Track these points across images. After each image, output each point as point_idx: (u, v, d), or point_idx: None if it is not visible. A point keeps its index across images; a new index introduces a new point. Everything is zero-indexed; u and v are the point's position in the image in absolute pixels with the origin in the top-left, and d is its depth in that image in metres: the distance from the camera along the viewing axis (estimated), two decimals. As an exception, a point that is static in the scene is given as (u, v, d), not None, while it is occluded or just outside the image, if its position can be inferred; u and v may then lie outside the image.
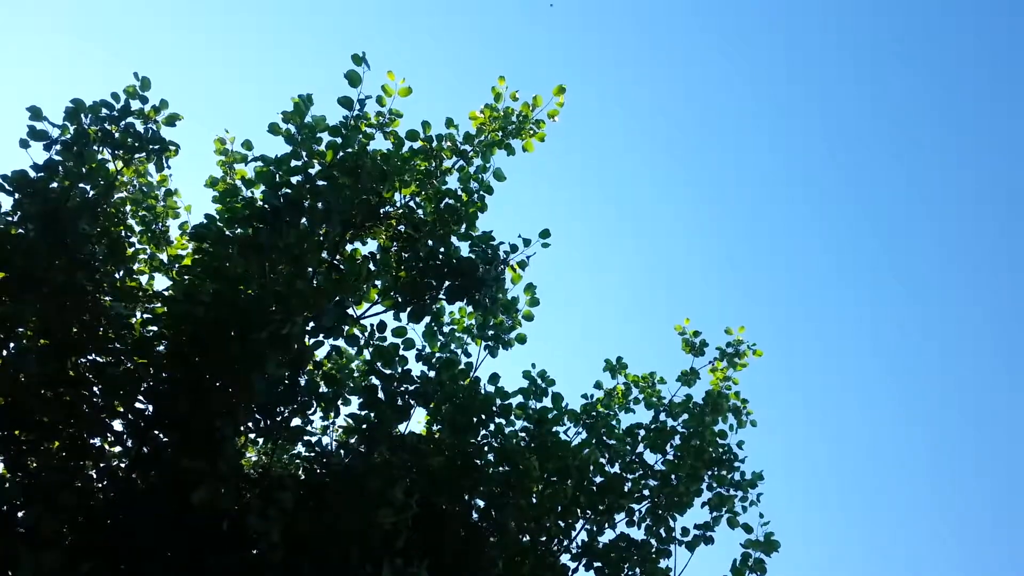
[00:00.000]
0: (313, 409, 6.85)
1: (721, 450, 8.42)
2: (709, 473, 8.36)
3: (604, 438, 8.25)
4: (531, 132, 8.01)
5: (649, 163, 28.27)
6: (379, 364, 7.08)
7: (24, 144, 6.49)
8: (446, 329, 8.15)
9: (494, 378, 7.79)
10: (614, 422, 8.56)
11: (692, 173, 28.71)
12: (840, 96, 27.10)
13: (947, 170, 27.45)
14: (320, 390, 7.03)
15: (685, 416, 8.53)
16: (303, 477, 6.62)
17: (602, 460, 8.15)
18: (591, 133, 27.95)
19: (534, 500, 7.39)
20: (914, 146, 27.68)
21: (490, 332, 8.19)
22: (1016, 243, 26.30)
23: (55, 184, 6.27)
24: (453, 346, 8.14)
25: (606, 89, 27.59)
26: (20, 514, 5.18)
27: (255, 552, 5.82)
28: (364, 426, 6.82)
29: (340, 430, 7.52)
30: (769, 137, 28.15)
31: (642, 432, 8.45)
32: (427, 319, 7.78)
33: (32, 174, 6.24)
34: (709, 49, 27.10)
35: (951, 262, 28.30)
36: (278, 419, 6.51)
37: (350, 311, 7.38)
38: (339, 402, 7.35)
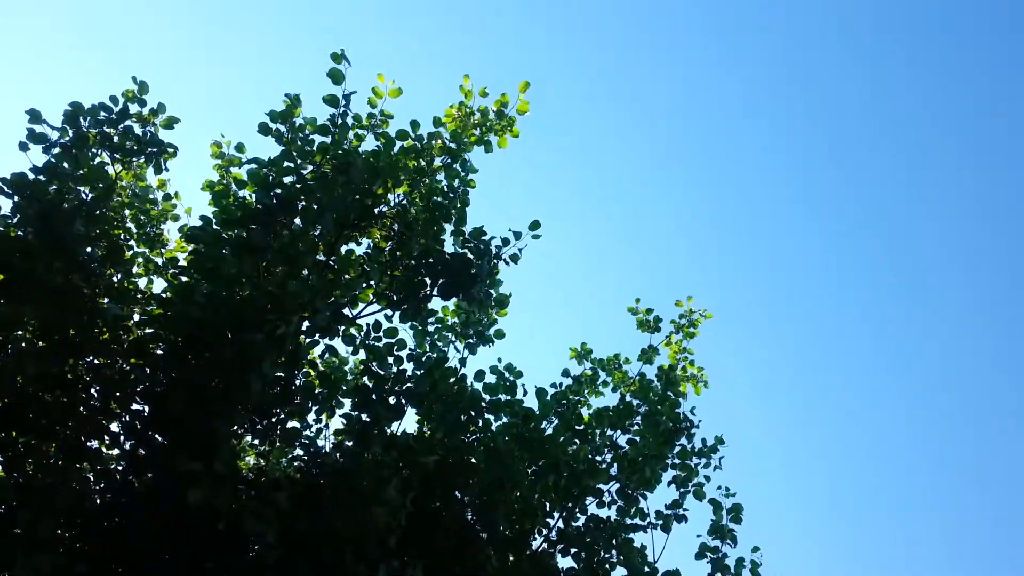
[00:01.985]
0: (309, 410, 6.90)
1: (678, 419, 8.56)
2: (674, 450, 8.47)
3: (575, 425, 8.33)
4: (505, 129, 8.08)
5: (643, 158, 28.30)
6: (373, 364, 7.14)
7: (23, 147, 6.54)
8: (431, 328, 8.25)
9: (480, 375, 7.91)
10: (584, 409, 8.67)
11: (688, 169, 28.72)
12: (839, 93, 27.10)
13: (947, 169, 27.45)
14: (316, 391, 7.08)
15: (640, 391, 8.73)
16: (299, 478, 6.66)
17: (576, 444, 8.22)
18: (585, 128, 27.99)
19: (519, 494, 7.47)
20: (913, 144, 27.67)
21: (470, 330, 8.31)
22: (1016, 242, 26.29)
23: (53, 186, 6.31)
24: (441, 345, 8.26)
25: (599, 83, 27.62)
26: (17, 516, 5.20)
27: (251, 554, 5.86)
28: (358, 426, 6.86)
29: (335, 431, 7.57)
30: (765, 133, 28.17)
31: (610, 414, 8.57)
32: (420, 317, 7.86)
33: (31, 176, 6.28)
34: (705, 46, 27.11)
35: (949, 259, 28.31)
36: (274, 420, 6.54)
37: (345, 311, 7.42)
38: (333, 403, 7.39)
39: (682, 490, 8.42)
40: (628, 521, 8.12)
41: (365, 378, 7.09)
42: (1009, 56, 25.33)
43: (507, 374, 8.23)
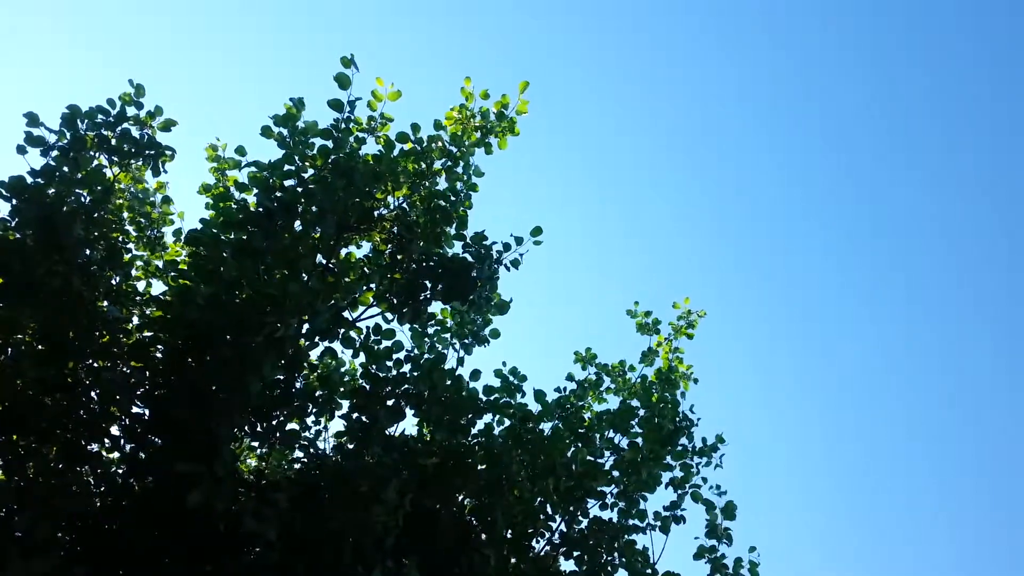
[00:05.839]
0: (308, 412, 6.91)
1: (677, 419, 8.59)
2: (675, 450, 8.49)
3: (578, 429, 8.35)
4: (506, 130, 8.09)
5: (646, 159, 28.30)
6: (373, 367, 7.15)
7: (21, 150, 6.54)
8: (430, 330, 8.27)
9: (475, 374, 7.92)
10: (587, 413, 8.69)
11: (691, 169, 28.72)
12: (841, 91, 27.09)
13: (947, 167, 27.44)
14: (315, 393, 7.08)
15: (641, 395, 8.79)
16: (298, 479, 6.66)
17: (577, 447, 8.23)
18: (587, 127, 27.99)
19: (517, 494, 7.49)
20: (915, 142, 27.65)
21: (465, 330, 8.39)
22: (1016, 242, 26.28)
23: (52, 189, 6.32)
24: (440, 347, 8.30)
25: (601, 83, 27.61)
26: (15, 519, 5.21)
27: (251, 555, 5.87)
28: (357, 428, 6.87)
29: (335, 433, 7.58)
30: (768, 133, 28.16)
31: (611, 417, 8.59)
32: (420, 320, 7.87)
33: (29, 180, 6.28)
34: (708, 45, 27.10)
35: (950, 259, 28.29)
36: (273, 423, 6.55)
37: (345, 314, 7.42)
38: (332, 406, 7.40)
39: (680, 491, 8.43)
40: (629, 523, 8.12)
41: (363, 380, 7.09)
42: (1010, 52, 25.31)
43: (511, 378, 8.25)
